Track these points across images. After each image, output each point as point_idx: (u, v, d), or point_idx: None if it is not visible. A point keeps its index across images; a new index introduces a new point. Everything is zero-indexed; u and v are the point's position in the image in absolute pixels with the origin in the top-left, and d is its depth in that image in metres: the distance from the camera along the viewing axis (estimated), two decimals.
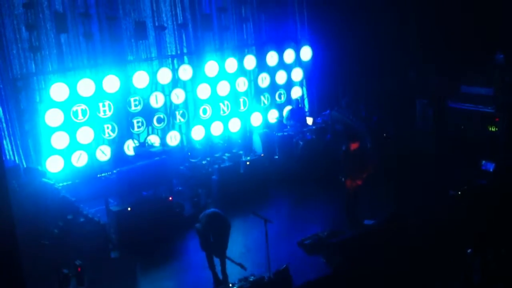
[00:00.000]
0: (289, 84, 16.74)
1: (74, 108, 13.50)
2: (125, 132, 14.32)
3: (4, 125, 12.81)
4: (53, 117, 13.18)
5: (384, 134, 13.83)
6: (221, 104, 15.63)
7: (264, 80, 16.23)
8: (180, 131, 15.15)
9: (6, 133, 12.83)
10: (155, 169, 12.31)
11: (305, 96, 17.04)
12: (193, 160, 14.30)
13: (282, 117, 16.28)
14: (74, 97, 13.45)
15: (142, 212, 11.75)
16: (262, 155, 14.57)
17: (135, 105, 14.34)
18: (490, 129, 14.44)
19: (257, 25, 16.18)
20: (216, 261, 10.13)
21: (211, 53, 15.42)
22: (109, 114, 13.98)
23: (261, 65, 16.15)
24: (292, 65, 16.60)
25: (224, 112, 15.69)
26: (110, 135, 14.07)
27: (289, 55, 16.44)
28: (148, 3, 14.33)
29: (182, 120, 15.11)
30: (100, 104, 13.87)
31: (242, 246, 11.11)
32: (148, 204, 11.94)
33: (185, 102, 15.09)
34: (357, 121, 15.05)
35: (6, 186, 6.50)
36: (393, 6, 15.73)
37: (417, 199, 12.65)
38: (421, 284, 9.74)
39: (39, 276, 9.49)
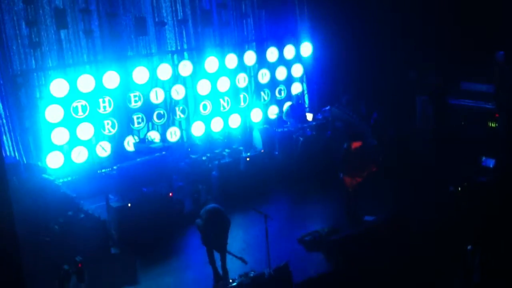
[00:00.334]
0: (289, 80, 16.71)
1: (74, 104, 13.48)
2: (125, 128, 14.30)
3: (4, 121, 12.79)
4: (53, 113, 13.15)
5: (382, 136, 13.83)
6: (221, 100, 15.61)
7: (264, 76, 16.20)
8: (180, 127, 15.14)
9: (6, 129, 12.81)
10: (155, 165, 12.32)
11: (305, 92, 17.02)
12: (193, 156, 14.30)
13: (282, 113, 16.27)
14: (74, 93, 13.43)
15: (142, 208, 11.76)
16: (262, 151, 14.58)
17: (135, 101, 14.32)
18: (490, 125, 14.45)
19: (257, 21, 16.14)
20: (217, 256, 10.15)
21: (211, 49, 15.40)
22: (109, 110, 13.97)
23: (261, 61, 16.12)
24: (292, 61, 16.56)
25: (224, 108, 15.67)
26: (110, 131, 14.05)
27: (289, 51, 16.41)
28: None
29: (182, 116, 15.09)
30: (100, 100, 13.85)
31: (242, 242, 11.12)
32: (148, 200, 11.94)
33: (185, 98, 15.07)
34: (357, 118, 15.06)
35: (6, 182, 6.49)
36: (394, 3, 15.70)
37: (417, 196, 12.67)
38: (421, 281, 9.74)
39: (40, 272, 9.50)
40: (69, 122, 13.42)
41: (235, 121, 15.72)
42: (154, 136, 14.51)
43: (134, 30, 14.15)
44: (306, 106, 16.83)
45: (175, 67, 14.68)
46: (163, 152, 12.81)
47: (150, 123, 14.64)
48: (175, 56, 14.85)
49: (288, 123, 15.64)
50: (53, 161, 13.22)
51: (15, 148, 12.90)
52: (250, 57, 15.81)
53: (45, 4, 13.08)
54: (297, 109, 15.95)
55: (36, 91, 13.20)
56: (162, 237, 11.69)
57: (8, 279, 6.46)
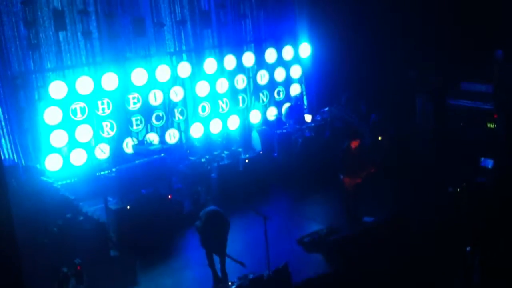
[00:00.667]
0: (288, 81, 16.72)
1: (73, 106, 13.48)
2: (124, 130, 14.29)
3: (3, 123, 12.76)
4: (52, 115, 13.15)
5: (380, 138, 13.83)
6: (220, 102, 15.61)
7: (263, 77, 16.20)
8: (179, 129, 15.13)
9: (5, 131, 12.78)
10: (154, 167, 12.30)
11: (304, 93, 17.02)
12: (192, 158, 14.28)
13: (281, 114, 16.27)
14: (73, 95, 13.42)
15: (141, 210, 11.74)
16: (261, 152, 14.57)
17: (134, 103, 14.31)
18: (489, 126, 14.44)
19: (256, 21, 16.14)
20: (216, 259, 10.14)
21: (210, 50, 15.40)
22: (107, 112, 13.96)
23: (260, 62, 16.12)
24: (291, 62, 16.57)
25: (223, 109, 15.67)
26: (109, 133, 14.05)
27: (288, 52, 16.42)
28: (147, 0, 14.28)
29: (181, 117, 15.09)
30: (99, 102, 13.85)
31: (242, 243, 11.10)
32: (147, 202, 11.93)
33: (184, 99, 15.07)
34: (357, 119, 15.06)
35: (5, 185, 6.48)
36: (393, 3, 15.69)
37: (416, 196, 12.66)
38: (421, 282, 9.73)
39: (39, 275, 9.48)
40: (68, 124, 13.41)
41: (234, 122, 15.71)
42: (153, 138, 14.50)
43: (133, 32, 14.13)
44: (305, 107, 16.82)
45: (173, 68, 14.67)
46: (162, 154, 12.79)
47: (148, 125, 14.64)
48: (173, 58, 14.84)
49: (287, 124, 15.63)
50: (52, 163, 13.21)
51: (14, 151, 12.87)
52: (248, 58, 15.82)
53: (44, 5, 13.07)
54: (296, 110, 15.94)
55: (34, 93, 13.19)
56: (161, 239, 11.67)
57: (7, 281, 6.45)
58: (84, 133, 13.56)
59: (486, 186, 12.38)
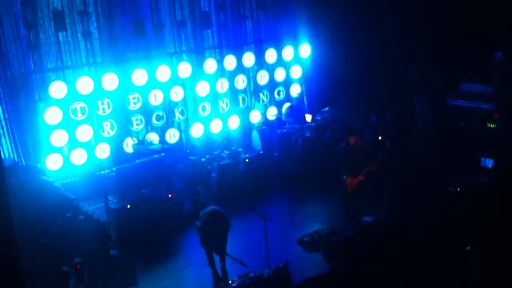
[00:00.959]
0: (288, 81, 16.73)
1: (73, 106, 13.50)
2: (124, 130, 14.31)
3: (3, 123, 12.77)
4: (52, 115, 13.17)
5: (380, 137, 13.84)
6: (220, 102, 15.63)
7: (263, 77, 16.23)
8: (179, 129, 15.15)
9: (5, 131, 12.79)
10: (154, 166, 12.31)
11: (304, 93, 17.03)
12: (192, 158, 14.30)
13: (281, 114, 16.28)
14: (73, 95, 13.44)
15: (141, 210, 11.76)
16: (261, 152, 14.58)
17: (134, 103, 14.33)
18: (489, 126, 14.45)
19: (255, 22, 16.17)
20: (216, 258, 10.14)
21: (210, 51, 15.42)
22: (108, 112, 13.98)
23: (260, 62, 16.14)
24: (291, 62, 16.59)
25: (223, 109, 15.69)
26: (109, 133, 14.06)
27: (288, 52, 16.43)
28: (147, 1, 14.29)
29: (181, 117, 15.10)
30: (99, 102, 13.87)
31: (242, 243, 11.10)
32: (148, 202, 11.94)
33: (184, 99, 15.09)
34: (356, 119, 15.07)
35: (5, 184, 6.48)
36: (393, 4, 15.70)
37: (417, 196, 12.66)
38: (421, 282, 9.72)
39: (39, 274, 9.48)
40: (68, 124, 13.42)
41: (234, 122, 15.73)
42: (153, 137, 14.52)
43: (133, 32, 14.15)
44: (305, 107, 16.83)
45: (174, 68, 14.68)
46: (162, 154, 12.80)
47: (149, 125, 14.65)
48: (174, 58, 14.85)
49: (287, 124, 15.64)
50: (52, 162, 13.23)
51: (14, 150, 12.89)
52: (248, 58, 15.84)
53: (44, 6, 13.09)
54: (296, 110, 15.96)
55: (35, 93, 13.21)
56: (161, 238, 11.68)
57: (8, 281, 6.46)
58: (84, 132, 13.58)
59: (487, 186, 12.39)
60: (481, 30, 14.43)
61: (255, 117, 16.16)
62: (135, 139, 14.32)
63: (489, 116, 14.42)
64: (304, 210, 12.93)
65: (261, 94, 16.38)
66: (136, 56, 14.34)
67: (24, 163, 12.84)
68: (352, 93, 16.02)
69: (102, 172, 12.43)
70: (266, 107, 16.46)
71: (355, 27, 15.94)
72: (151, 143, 14.11)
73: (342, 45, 15.89)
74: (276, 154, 15.03)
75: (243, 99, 16.08)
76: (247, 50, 15.95)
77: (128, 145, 14.22)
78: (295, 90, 16.78)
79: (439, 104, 15.30)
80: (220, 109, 15.64)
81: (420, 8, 15.69)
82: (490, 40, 14.37)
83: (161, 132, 14.81)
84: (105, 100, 13.91)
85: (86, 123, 13.63)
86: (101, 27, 13.79)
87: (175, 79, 14.76)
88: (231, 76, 15.68)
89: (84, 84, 13.46)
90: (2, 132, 12.74)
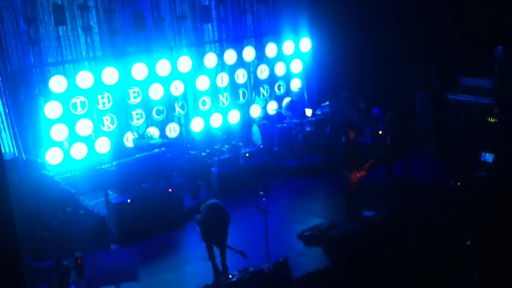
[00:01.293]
0: (289, 76, 16.71)
1: (73, 100, 13.49)
2: (124, 124, 14.31)
3: (4, 117, 12.78)
4: (52, 109, 13.17)
5: (380, 132, 13.83)
6: (220, 96, 15.62)
7: (263, 72, 16.21)
8: (179, 123, 15.14)
9: (5, 125, 12.80)
10: (154, 161, 12.31)
11: (304, 88, 17.01)
12: (192, 152, 14.31)
13: (282, 108, 16.27)
14: (73, 89, 13.44)
15: (142, 204, 11.78)
16: (262, 146, 14.58)
17: (134, 97, 14.32)
18: (489, 120, 14.43)
19: (256, 16, 16.14)
20: (216, 252, 10.16)
21: (210, 45, 15.40)
22: (108, 106, 13.98)
23: (260, 57, 16.12)
24: (291, 56, 16.57)
25: (223, 103, 15.68)
26: (109, 127, 14.06)
27: (288, 47, 16.41)
28: None
29: (181, 112, 15.10)
30: (99, 96, 13.86)
31: (242, 237, 11.11)
32: (148, 196, 11.96)
33: (184, 94, 15.08)
34: (357, 114, 15.06)
35: (5, 179, 6.48)
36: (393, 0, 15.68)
37: (417, 192, 12.67)
38: (421, 277, 9.73)
39: (39, 268, 9.49)
40: (68, 118, 13.42)
41: (234, 116, 15.72)
42: (153, 132, 14.52)
43: (133, 26, 14.12)
44: (305, 101, 16.82)
45: (174, 63, 14.67)
46: (163, 148, 12.80)
47: (149, 119, 14.64)
48: (174, 52, 14.83)
49: (288, 118, 15.63)
50: (53, 157, 13.23)
51: (15, 145, 12.89)
52: (249, 52, 15.81)
53: (44, 0, 13.07)
54: (297, 105, 15.95)
55: (35, 87, 13.21)
56: (161, 233, 11.69)
57: (8, 274, 6.46)
58: (84, 127, 13.58)
59: (487, 180, 12.39)
60: (482, 24, 14.40)
61: (256, 111, 16.15)
62: (135, 133, 14.32)
63: (490, 111, 14.41)
64: (305, 205, 12.94)
65: (261, 89, 16.37)
66: (136, 50, 14.33)
67: (24, 157, 12.85)
68: (353, 88, 15.99)
69: (103, 166, 12.44)
70: (266, 102, 16.45)
71: (356, 21, 15.91)
72: (151, 138, 14.12)
73: (343, 39, 15.86)
74: (276, 148, 15.03)
75: (244, 93, 16.07)
76: (247, 44, 15.92)
77: (129, 140, 14.21)
78: (296, 84, 16.77)
79: (439, 98, 15.29)
80: (220, 104, 15.62)
81: (420, 5, 15.65)
82: (490, 38, 14.34)
83: (162, 126, 14.81)
84: (105, 95, 13.91)
85: (86, 118, 13.62)
86: (101, 21, 13.78)
87: (175, 74, 14.74)
88: (232, 70, 15.67)
89: (84, 78, 13.45)
90: (2, 127, 12.75)
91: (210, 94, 15.37)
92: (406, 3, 15.53)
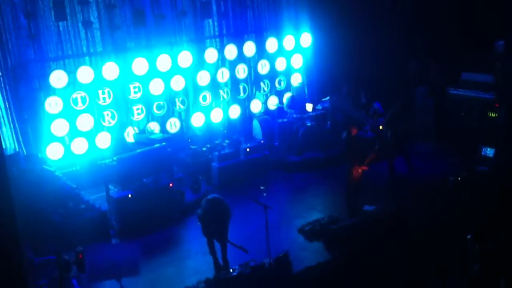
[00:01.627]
0: (289, 71, 16.70)
1: (74, 96, 13.49)
2: (125, 119, 14.32)
3: (4, 112, 12.79)
4: (52, 105, 13.17)
5: (380, 126, 13.84)
6: (221, 91, 15.62)
7: (263, 67, 16.20)
8: (180, 118, 15.14)
9: (5, 120, 12.81)
10: (155, 156, 12.34)
11: (305, 82, 17.00)
12: (193, 147, 14.32)
13: (282, 103, 16.27)
14: (74, 84, 13.44)
15: (142, 199, 11.80)
16: (262, 141, 14.59)
17: (135, 92, 14.32)
18: (490, 115, 14.44)
19: (256, 11, 16.12)
20: (217, 246, 10.18)
21: (210, 40, 15.39)
22: (108, 101, 13.97)
23: (261, 52, 16.11)
24: (292, 51, 16.55)
25: (224, 99, 15.68)
26: (110, 122, 14.07)
27: (289, 42, 16.39)
28: None
29: (182, 107, 15.10)
30: (100, 92, 13.86)
31: (243, 232, 11.13)
32: (149, 191, 11.98)
33: (185, 89, 15.07)
34: (357, 110, 15.06)
35: (6, 174, 6.50)
36: None
37: (418, 186, 12.69)
38: (421, 271, 9.75)
39: (40, 262, 9.51)
40: (69, 114, 13.43)
41: (235, 111, 15.73)
42: (154, 127, 14.52)
43: (133, 22, 14.11)
44: (306, 96, 16.80)
45: (174, 58, 14.66)
46: (163, 143, 12.81)
47: (149, 114, 14.65)
48: (174, 48, 14.82)
49: (288, 113, 15.63)
50: (53, 152, 13.24)
51: (15, 140, 12.91)
52: (249, 47, 15.80)
53: None
54: (297, 100, 15.94)
55: (35, 82, 13.20)
56: (162, 227, 11.72)
57: (9, 269, 6.49)
58: (85, 122, 13.58)
59: (488, 175, 12.40)
60: (482, 23, 14.38)
61: (256, 106, 16.15)
62: (136, 128, 14.32)
63: (490, 106, 14.40)
64: (305, 199, 12.95)
65: (262, 84, 16.36)
66: (137, 45, 14.32)
67: (25, 152, 12.87)
68: (353, 83, 15.98)
69: (103, 161, 12.45)
70: (267, 97, 16.45)
71: (356, 16, 15.89)
72: (152, 133, 14.13)
73: (344, 34, 15.83)
74: (276, 143, 15.04)
75: (244, 88, 16.06)
76: (248, 40, 15.90)
77: (129, 135, 14.22)
78: (296, 79, 16.75)
79: (440, 93, 15.29)
80: (221, 99, 15.62)
81: (421, 0, 15.64)
82: (491, 33, 14.32)
83: (162, 121, 14.81)
84: (106, 90, 13.90)
85: (87, 113, 13.62)
86: (101, 16, 13.76)
87: (176, 69, 14.74)
88: (232, 65, 15.66)
89: (85, 73, 13.44)
90: (3, 122, 12.76)
91: (211, 89, 15.37)
92: None
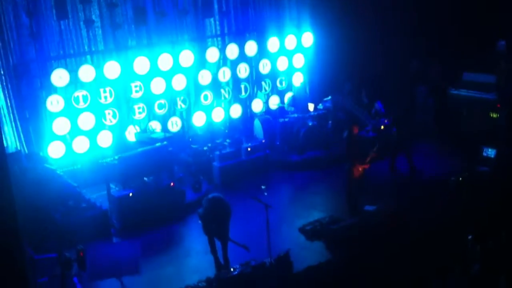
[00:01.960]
0: (291, 70, 16.70)
1: (75, 94, 13.51)
2: (126, 118, 14.33)
3: (5, 111, 12.81)
4: (54, 103, 13.18)
5: (382, 126, 13.83)
6: (222, 90, 15.62)
7: (265, 66, 16.20)
8: (181, 117, 15.15)
9: (7, 119, 12.84)
10: (156, 155, 12.34)
11: (307, 82, 16.99)
12: (194, 146, 14.32)
13: (284, 103, 16.27)
14: (75, 83, 13.45)
15: (143, 197, 11.81)
16: (263, 141, 14.59)
17: (136, 91, 14.32)
18: (492, 115, 14.43)
19: (258, 10, 16.11)
20: (218, 245, 10.18)
21: (212, 39, 15.39)
22: (110, 100, 13.98)
23: (262, 51, 16.10)
24: (293, 51, 16.54)
25: (225, 98, 15.68)
26: (111, 121, 14.07)
27: (290, 41, 16.39)
28: None
29: (183, 106, 15.10)
30: (101, 90, 13.86)
31: (244, 231, 11.13)
32: (150, 190, 11.98)
33: (186, 88, 15.07)
34: (359, 109, 15.05)
35: (8, 172, 6.50)
36: None
37: (419, 186, 12.68)
38: (421, 271, 9.75)
39: (41, 260, 9.52)
40: (70, 112, 13.43)
41: (236, 111, 15.73)
42: (155, 126, 14.52)
43: (135, 21, 14.11)
44: (308, 96, 16.79)
45: (176, 57, 14.66)
46: (164, 142, 12.82)
47: (151, 113, 14.65)
48: (176, 47, 14.82)
49: (290, 112, 15.63)
50: (55, 150, 13.25)
51: (17, 138, 12.92)
52: (251, 47, 15.80)
53: None
54: (299, 99, 15.94)
55: (37, 81, 13.22)
56: (163, 226, 11.72)
57: (10, 267, 6.49)
58: (86, 121, 13.59)
59: (489, 176, 12.38)
60: (484, 22, 14.38)
61: (257, 106, 16.15)
62: (137, 127, 14.33)
63: (492, 106, 14.39)
64: (306, 199, 12.95)
65: (263, 83, 16.36)
66: (138, 44, 14.32)
67: (26, 150, 12.88)
68: (355, 82, 15.98)
69: (105, 160, 12.46)
70: (268, 96, 16.44)
71: (358, 15, 15.89)
72: (153, 132, 14.13)
73: (345, 33, 15.83)
74: (278, 142, 15.04)
75: (245, 88, 16.06)
76: (249, 39, 15.90)
77: (131, 134, 14.23)
78: (298, 79, 16.74)
79: (441, 93, 15.28)
80: (222, 98, 15.62)
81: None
82: (493, 33, 14.32)
83: (163, 120, 14.81)
84: (107, 89, 13.91)
85: (88, 111, 13.63)
86: (103, 15, 13.77)
87: (177, 68, 14.74)
88: (233, 65, 15.66)
89: (86, 72, 13.46)
90: (4, 120, 12.78)
91: (212, 88, 15.37)
92: None
